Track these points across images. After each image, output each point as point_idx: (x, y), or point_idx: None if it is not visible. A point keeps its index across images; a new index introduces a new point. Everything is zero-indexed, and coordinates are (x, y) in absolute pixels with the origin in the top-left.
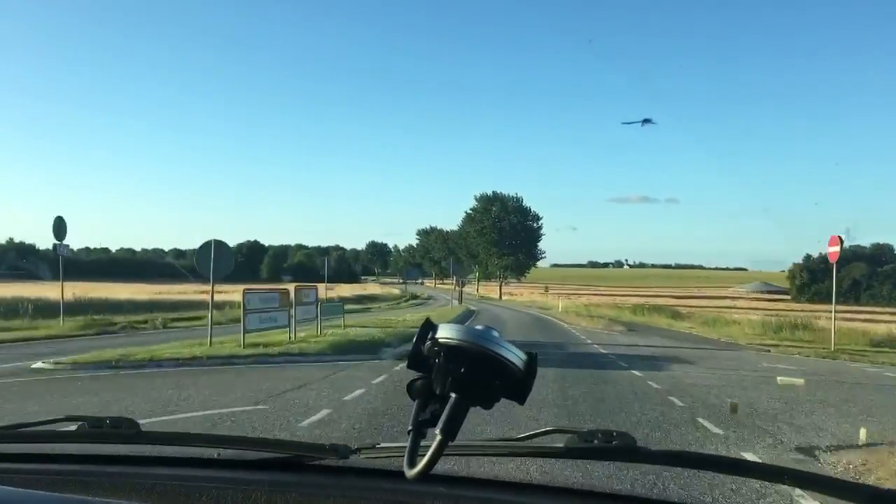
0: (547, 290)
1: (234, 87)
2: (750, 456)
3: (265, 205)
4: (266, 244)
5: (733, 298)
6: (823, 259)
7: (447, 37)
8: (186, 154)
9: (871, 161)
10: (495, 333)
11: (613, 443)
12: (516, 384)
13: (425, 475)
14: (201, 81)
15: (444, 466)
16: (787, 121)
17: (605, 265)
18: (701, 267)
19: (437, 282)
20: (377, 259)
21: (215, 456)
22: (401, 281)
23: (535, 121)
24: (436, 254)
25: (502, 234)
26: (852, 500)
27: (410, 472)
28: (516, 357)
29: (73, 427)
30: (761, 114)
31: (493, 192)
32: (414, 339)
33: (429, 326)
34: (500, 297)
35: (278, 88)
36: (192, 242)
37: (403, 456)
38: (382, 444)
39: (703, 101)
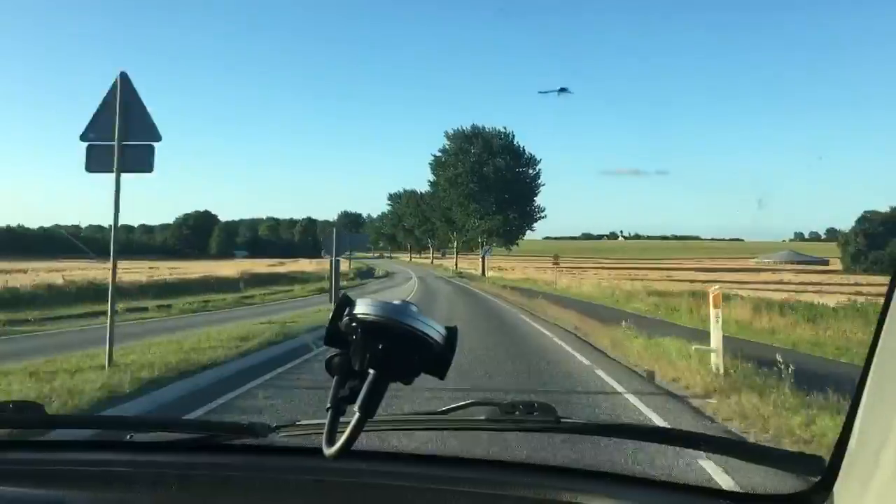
0: (557, 263)
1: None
2: None
3: (231, 177)
4: (223, 218)
5: (774, 271)
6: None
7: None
8: None
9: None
10: (413, 308)
11: (534, 414)
12: (436, 359)
13: (345, 452)
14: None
15: (365, 442)
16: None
17: (600, 237)
18: (698, 238)
19: (414, 255)
20: (350, 229)
21: (126, 439)
22: (376, 255)
23: (520, 88)
24: (409, 220)
25: (485, 185)
26: (763, 464)
27: (329, 451)
28: (435, 332)
29: None
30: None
31: (473, 126)
32: (330, 315)
33: (346, 302)
34: (484, 272)
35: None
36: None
37: (322, 433)
38: (301, 422)
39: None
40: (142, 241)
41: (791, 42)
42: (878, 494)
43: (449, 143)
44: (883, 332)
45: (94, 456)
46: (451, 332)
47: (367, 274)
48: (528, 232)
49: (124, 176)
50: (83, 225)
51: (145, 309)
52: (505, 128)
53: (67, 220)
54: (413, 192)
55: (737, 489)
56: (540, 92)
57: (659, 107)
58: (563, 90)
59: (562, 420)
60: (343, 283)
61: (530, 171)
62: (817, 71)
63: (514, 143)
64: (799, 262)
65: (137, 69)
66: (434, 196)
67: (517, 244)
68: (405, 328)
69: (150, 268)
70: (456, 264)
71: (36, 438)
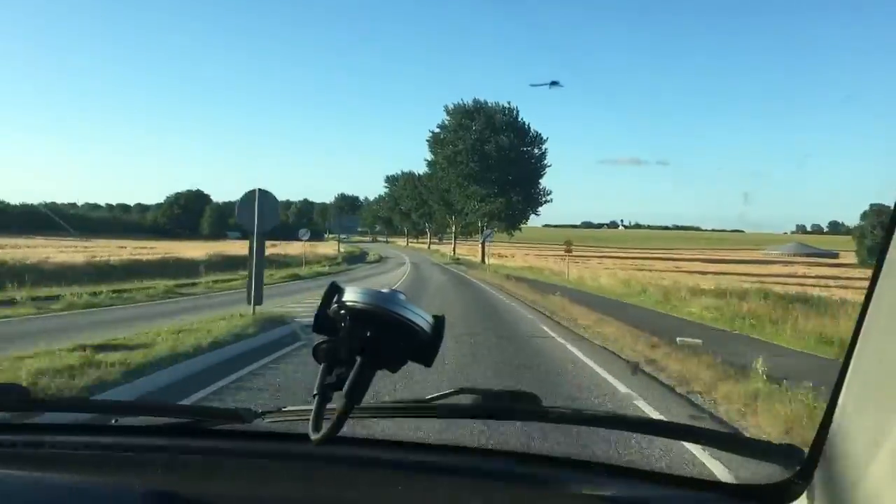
0: (569, 251)
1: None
2: None
3: (229, 158)
4: (222, 199)
5: (785, 263)
6: None
7: None
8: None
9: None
10: (402, 297)
11: (520, 402)
12: (423, 347)
13: (331, 438)
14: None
15: (351, 429)
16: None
17: (600, 226)
18: (698, 228)
19: (411, 239)
20: (346, 212)
21: (112, 423)
22: (371, 239)
23: (520, 74)
24: (406, 203)
25: (487, 164)
26: (743, 454)
27: (315, 436)
28: (423, 320)
29: None
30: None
31: (475, 100)
32: (320, 302)
33: (334, 289)
34: (484, 259)
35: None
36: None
37: (308, 420)
38: (287, 408)
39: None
40: (132, 220)
41: (790, 38)
42: (855, 484)
43: (448, 118)
44: (864, 327)
45: (80, 439)
46: (439, 321)
47: (357, 258)
48: (531, 217)
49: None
50: (79, 203)
51: (13, 303)
52: (509, 103)
53: (63, 198)
54: (411, 174)
55: (719, 479)
56: (531, 85)
57: (659, 97)
58: (554, 83)
59: (547, 409)
60: (326, 268)
61: (535, 151)
62: (818, 66)
63: (519, 119)
64: (807, 255)
65: (134, 41)
66: (432, 177)
67: (520, 229)
68: (393, 316)
69: (119, 247)
70: (454, 250)
71: (20, 421)
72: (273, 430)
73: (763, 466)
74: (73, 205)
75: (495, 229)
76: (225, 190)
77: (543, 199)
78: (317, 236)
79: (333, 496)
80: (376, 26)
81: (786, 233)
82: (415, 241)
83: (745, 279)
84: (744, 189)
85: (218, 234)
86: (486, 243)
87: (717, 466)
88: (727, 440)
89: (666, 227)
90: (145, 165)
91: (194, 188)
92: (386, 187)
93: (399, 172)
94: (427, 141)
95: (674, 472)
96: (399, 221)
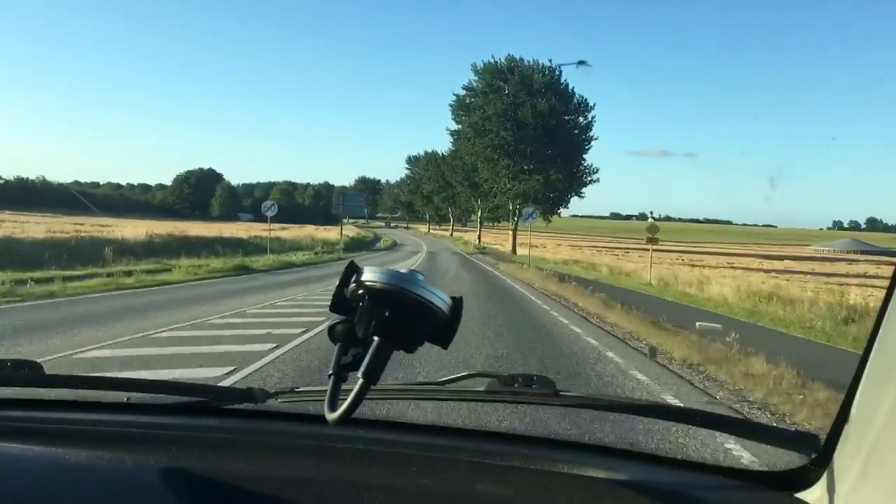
0: (654, 241)
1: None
2: None
3: (248, 139)
4: (240, 180)
5: (849, 262)
6: None
7: None
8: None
9: None
10: (420, 277)
11: (533, 386)
12: (441, 328)
13: (346, 419)
14: None
15: (365, 410)
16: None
17: (629, 217)
18: (729, 222)
19: (433, 225)
20: (367, 197)
21: (125, 400)
22: (392, 225)
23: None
24: (427, 186)
25: (521, 134)
26: (759, 441)
27: (331, 416)
28: (441, 301)
29: None
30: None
31: (508, 56)
32: (338, 282)
33: (352, 269)
34: (514, 249)
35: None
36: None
37: (321, 400)
38: (301, 389)
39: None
40: (140, 199)
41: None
42: (871, 473)
43: (476, 79)
44: (886, 316)
45: (93, 416)
46: (457, 302)
47: (364, 245)
48: (572, 199)
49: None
50: (101, 182)
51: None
52: (550, 61)
53: (86, 177)
54: (433, 154)
55: (734, 465)
56: (558, 65)
57: (687, 88)
58: (581, 63)
59: (560, 393)
60: (308, 256)
61: (580, 120)
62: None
63: (562, 81)
64: (863, 252)
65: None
66: (456, 154)
67: (558, 214)
68: (412, 296)
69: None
70: (479, 237)
71: (34, 397)
72: (286, 410)
73: (779, 453)
74: (96, 183)
75: (537, 211)
76: (245, 172)
77: (588, 177)
78: (334, 220)
79: (347, 477)
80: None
81: (821, 228)
82: (437, 227)
83: (823, 280)
84: (772, 180)
85: (229, 214)
86: (528, 222)
87: (733, 452)
88: (744, 426)
89: (696, 221)
90: (167, 147)
91: (206, 167)
92: (407, 169)
93: (422, 153)
94: (450, 106)
95: (685, 457)
96: (421, 206)
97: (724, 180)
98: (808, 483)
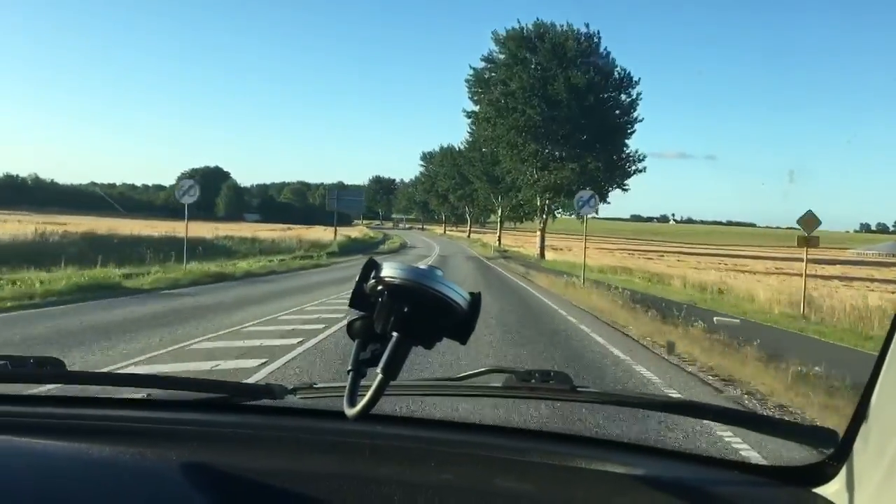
0: (811, 244)
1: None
2: None
3: (262, 139)
4: (253, 181)
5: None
6: None
7: None
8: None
9: None
10: (439, 273)
11: (550, 382)
12: (459, 324)
13: (365, 414)
14: None
15: (384, 405)
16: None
17: (650, 219)
18: (753, 225)
19: (449, 226)
20: (381, 197)
21: (145, 396)
22: (396, 224)
23: None
24: (443, 183)
25: (552, 112)
26: (776, 436)
27: (351, 412)
28: (460, 297)
29: None
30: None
31: (537, 22)
32: (357, 278)
33: (372, 265)
34: (542, 253)
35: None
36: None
37: (340, 396)
38: (319, 385)
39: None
40: (142, 199)
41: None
42: (890, 468)
43: (498, 49)
44: None
45: (115, 412)
46: (475, 298)
47: (366, 247)
48: (609, 194)
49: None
50: (118, 183)
51: None
52: (587, 26)
53: (102, 178)
54: (449, 149)
55: (752, 461)
56: (597, 31)
57: (705, 89)
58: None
59: (578, 389)
60: (300, 263)
61: (623, 97)
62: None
63: (601, 51)
64: None
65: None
66: (473, 146)
67: (595, 211)
68: (431, 292)
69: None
70: (499, 239)
71: (55, 394)
72: (305, 406)
73: (795, 448)
74: (113, 185)
75: (561, 209)
76: (259, 172)
77: (633, 167)
78: (345, 220)
79: (366, 472)
80: None
81: (847, 231)
82: (453, 228)
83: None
84: (792, 185)
85: (235, 215)
86: (583, 214)
87: (748, 448)
88: (761, 422)
89: (719, 223)
90: (185, 148)
91: (212, 165)
92: (422, 166)
93: (438, 148)
94: (466, 83)
95: (703, 452)
96: (436, 206)
97: (745, 182)
98: (826, 478)
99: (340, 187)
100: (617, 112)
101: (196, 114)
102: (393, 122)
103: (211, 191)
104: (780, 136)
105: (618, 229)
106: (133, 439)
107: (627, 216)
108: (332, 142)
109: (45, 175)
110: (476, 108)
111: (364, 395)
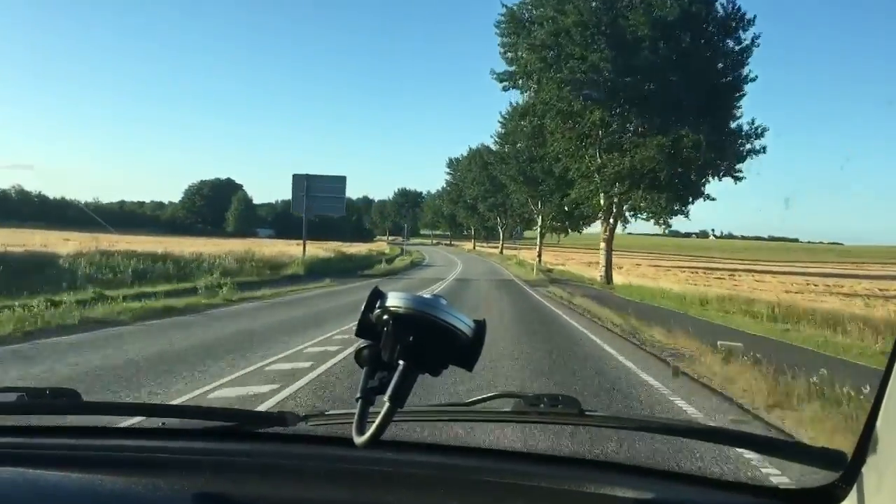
0: None
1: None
2: None
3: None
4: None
5: None
6: None
7: None
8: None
9: None
10: (443, 302)
11: (559, 406)
12: (465, 352)
13: (374, 441)
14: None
15: (393, 433)
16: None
17: (688, 235)
18: (796, 240)
19: (479, 242)
20: (406, 211)
21: (159, 425)
22: (434, 242)
23: None
24: (471, 191)
25: (625, 58)
26: (785, 458)
27: (360, 439)
28: (465, 325)
29: (12, 398)
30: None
31: None
32: (363, 308)
33: (377, 295)
34: (609, 275)
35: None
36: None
37: (350, 424)
38: (330, 412)
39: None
40: (145, 215)
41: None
42: None
43: None
44: None
45: (128, 442)
46: (480, 326)
47: (349, 269)
48: (706, 190)
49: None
50: (127, 200)
51: None
52: None
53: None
54: (477, 151)
55: (761, 483)
56: None
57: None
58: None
59: (586, 413)
60: (211, 297)
61: (730, 43)
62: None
63: None
64: None
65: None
66: (505, 139)
67: (684, 212)
68: (435, 321)
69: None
70: (539, 255)
71: (72, 424)
72: (317, 433)
73: (804, 470)
74: (122, 202)
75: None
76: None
77: (747, 145)
78: (366, 235)
79: (376, 498)
80: None
81: (893, 245)
82: (484, 244)
83: None
84: (833, 200)
85: (245, 230)
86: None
87: (760, 471)
88: (770, 444)
89: (761, 238)
90: (202, 166)
91: (224, 177)
92: (448, 174)
93: (464, 153)
94: (496, 27)
95: (713, 475)
96: (464, 218)
97: (777, 197)
98: (836, 500)
99: (308, 178)
100: (720, 66)
101: (215, 130)
102: (420, 134)
103: (222, 204)
104: (812, 149)
105: (659, 245)
106: (146, 470)
107: (665, 231)
108: (358, 156)
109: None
110: (512, 69)
111: (373, 423)
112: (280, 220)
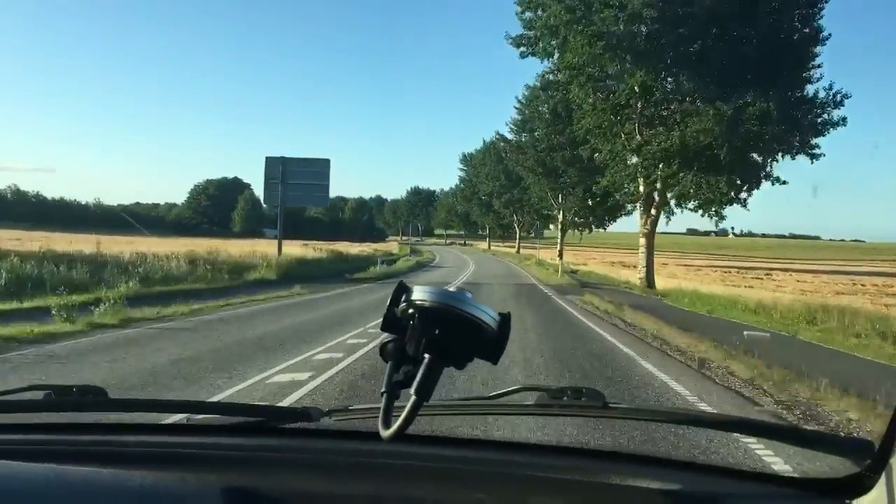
0: None
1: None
2: None
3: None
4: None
5: None
6: None
7: None
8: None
9: None
10: (469, 295)
11: (582, 399)
12: (490, 344)
13: (399, 435)
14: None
15: (417, 426)
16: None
17: (707, 233)
18: (818, 238)
19: (496, 241)
20: (419, 210)
21: (185, 422)
22: (448, 242)
23: None
24: (486, 185)
25: (675, 14)
26: (813, 448)
27: (386, 433)
28: (490, 318)
29: (39, 396)
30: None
31: None
32: (388, 302)
33: (402, 289)
34: (651, 278)
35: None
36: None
37: (375, 418)
38: (354, 407)
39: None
40: (149, 215)
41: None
42: None
43: None
44: None
45: (156, 438)
46: (505, 318)
47: (335, 273)
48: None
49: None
50: (142, 202)
51: None
52: None
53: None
54: (491, 144)
55: (788, 474)
56: None
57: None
58: None
59: (609, 405)
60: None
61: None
62: None
63: None
64: None
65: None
66: (522, 127)
67: (740, 201)
68: (461, 314)
69: None
70: (560, 253)
71: (99, 421)
72: (341, 427)
73: (828, 460)
74: (138, 203)
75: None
76: None
77: (823, 115)
78: (378, 235)
79: (402, 493)
80: None
81: None
82: (500, 243)
83: None
84: (853, 198)
85: (253, 230)
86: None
87: (780, 460)
88: (795, 435)
89: (782, 236)
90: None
91: (230, 175)
92: (462, 170)
93: (478, 148)
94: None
95: (738, 466)
96: (479, 216)
97: (797, 193)
98: (864, 490)
99: (284, 161)
100: (785, 24)
101: (224, 131)
102: (434, 131)
103: (229, 204)
104: (834, 145)
105: (679, 243)
106: (174, 465)
107: (684, 230)
108: (369, 155)
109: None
110: (531, 34)
111: (398, 417)
112: (288, 221)
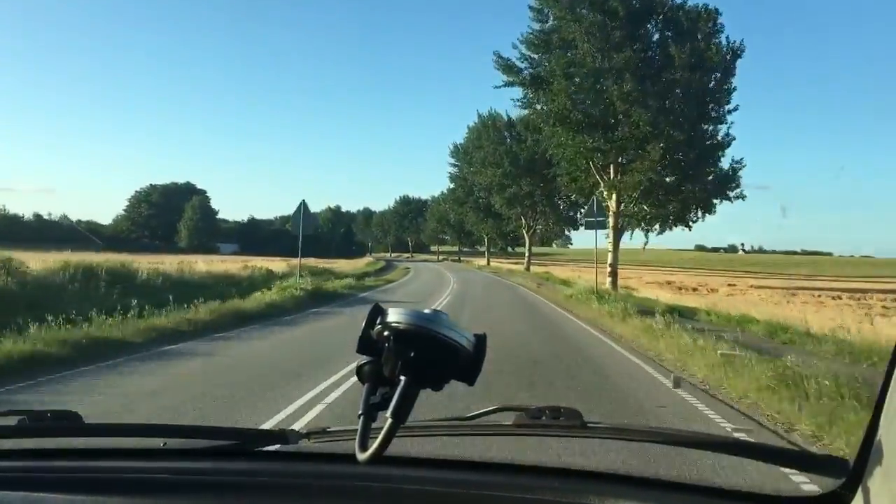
0: None
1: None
2: None
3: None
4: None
5: None
6: None
7: None
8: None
9: None
10: (444, 317)
11: (560, 419)
12: (466, 366)
13: (377, 458)
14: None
15: (395, 448)
16: None
17: (716, 250)
18: (830, 254)
19: (497, 256)
20: (409, 222)
21: (161, 446)
22: (441, 258)
23: None
24: (482, 178)
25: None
26: (787, 466)
27: (363, 456)
28: (465, 340)
29: (13, 421)
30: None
31: None
32: (363, 324)
33: (378, 311)
34: None
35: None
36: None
37: (353, 440)
38: (332, 429)
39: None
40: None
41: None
42: None
43: None
44: None
45: (131, 463)
46: (481, 340)
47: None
48: None
49: None
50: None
51: None
52: None
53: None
54: (490, 117)
55: (765, 492)
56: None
57: (756, 118)
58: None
59: (588, 425)
60: None
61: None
62: None
63: None
64: None
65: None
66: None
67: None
68: (437, 336)
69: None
70: (614, 274)
71: (74, 447)
72: (319, 450)
73: (810, 479)
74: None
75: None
76: (281, 204)
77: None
78: (357, 251)
79: None
80: None
81: None
82: (501, 258)
83: None
84: (860, 214)
85: (204, 244)
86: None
87: (755, 477)
88: (772, 452)
89: (793, 252)
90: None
91: (181, 181)
92: (454, 165)
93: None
94: None
95: (715, 485)
96: (474, 223)
97: (804, 211)
98: None
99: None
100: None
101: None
102: (421, 137)
103: (174, 214)
104: (834, 161)
105: (687, 259)
106: (150, 491)
107: (692, 246)
108: (357, 167)
109: None
110: None
111: (375, 439)
112: (247, 234)
